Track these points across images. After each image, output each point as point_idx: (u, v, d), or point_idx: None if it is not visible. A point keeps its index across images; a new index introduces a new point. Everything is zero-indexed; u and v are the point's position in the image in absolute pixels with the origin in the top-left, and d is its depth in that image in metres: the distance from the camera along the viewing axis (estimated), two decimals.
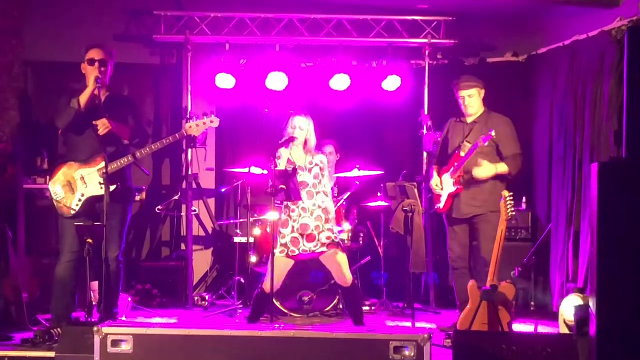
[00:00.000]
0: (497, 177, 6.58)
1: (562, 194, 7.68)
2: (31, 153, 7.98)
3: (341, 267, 6.29)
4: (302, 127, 6.32)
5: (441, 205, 6.78)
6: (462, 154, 6.56)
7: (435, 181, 6.87)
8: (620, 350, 4.47)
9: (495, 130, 6.45)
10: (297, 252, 6.25)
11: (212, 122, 6.26)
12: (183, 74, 8.80)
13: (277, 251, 6.21)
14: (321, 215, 6.30)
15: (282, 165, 6.25)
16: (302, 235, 6.26)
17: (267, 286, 6.13)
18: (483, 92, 6.76)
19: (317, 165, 6.37)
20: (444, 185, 6.77)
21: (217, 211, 9.28)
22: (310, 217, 6.27)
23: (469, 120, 6.80)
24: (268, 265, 6.07)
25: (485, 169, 6.50)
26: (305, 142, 6.37)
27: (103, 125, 5.96)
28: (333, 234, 6.31)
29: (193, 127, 6.22)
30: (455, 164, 6.64)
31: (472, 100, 6.72)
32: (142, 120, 6.73)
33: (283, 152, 6.33)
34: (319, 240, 6.25)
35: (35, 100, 8.73)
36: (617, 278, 4.50)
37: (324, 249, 6.25)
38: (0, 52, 8.33)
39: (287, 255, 6.23)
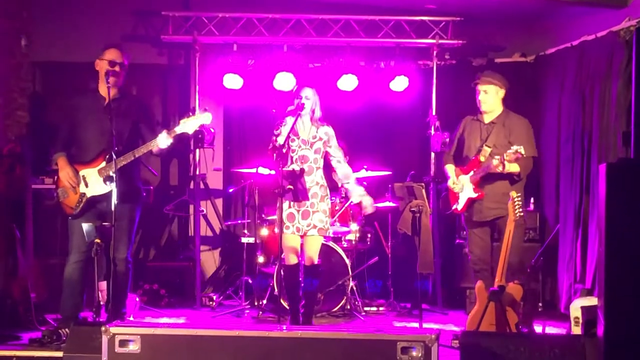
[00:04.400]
0: (508, 179, 6.42)
1: (570, 194, 7.66)
2: (39, 153, 7.99)
3: (315, 250, 6.49)
4: (309, 96, 6.48)
5: (459, 206, 6.61)
6: (482, 158, 6.40)
7: (452, 180, 6.69)
8: (628, 350, 4.46)
9: (512, 131, 6.38)
10: (291, 229, 6.36)
11: (205, 117, 6.14)
12: (191, 74, 8.81)
13: (276, 229, 6.47)
14: (318, 192, 6.44)
15: (284, 133, 6.35)
16: (298, 211, 6.38)
17: (289, 260, 6.40)
18: (502, 91, 6.54)
19: (319, 139, 6.50)
20: (464, 187, 6.59)
21: (225, 211, 9.29)
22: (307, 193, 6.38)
23: (486, 119, 6.59)
24: (281, 243, 6.29)
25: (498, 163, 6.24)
26: (312, 113, 6.50)
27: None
28: (326, 216, 6.46)
29: (187, 124, 6.12)
30: (475, 169, 6.48)
31: (487, 97, 6.53)
32: (152, 122, 6.69)
33: (289, 120, 6.44)
34: (312, 219, 6.38)
35: (43, 100, 8.76)
36: (624, 279, 4.50)
37: (314, 232, 6.40)
38: (9, 53, 8.36)
39: (283, 232, 6.32)
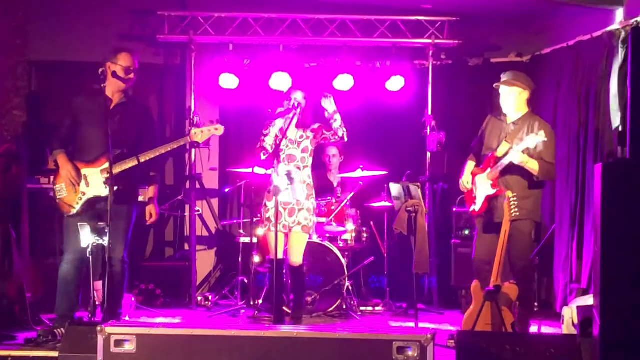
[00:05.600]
0: (527, 180, 6.18)
1: (566, 194, 7.67)
2: (35, 152, 7.98)
3: (299, 247, 6.53)
4: (299, 99, 6.51)
5: (477, 207, 6.32)
6: (499, 154, 6.15)
7: (465, 178, 6.44)
8: (624, 350, 4.46)
9: (533, 134, 6.08)
10: (278, 227, 6.34)
11: (216, 129, 6.22)
12: (187, 74, 8.80)
13: (264, 227, 6.61)
14: (304, 190, 6.46)
15: (272, 134, 6.43)
16: (285, 209, 6.43)
17: (274, 256, 6.33)
18: (526, 93, 6.26)
19: (307, 137, 6.57)
20: (480, 186, 6.31)
21: (221, 211, 9.29)
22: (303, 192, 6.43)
23: (509, 120, 6.33)
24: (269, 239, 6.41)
25: (519, 155, 6.00)
26: (301, 115, 6.51)
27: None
28: (310, 214, 6.51)
29: (198, 134, 6.19)
30: (491, 166, 6.21)
31: (509, 99, 6.27)
32: (154, 128, 6.67)
33: (278, 122, 6.49)
34: (297, 216, 6.45)
35: (39, 100, 8.74)
36: (620, 278, 4.50)
37: (298, 228, 6.46)
38: (5, 52, 8.35)
39: (270, 230, 6.36)
